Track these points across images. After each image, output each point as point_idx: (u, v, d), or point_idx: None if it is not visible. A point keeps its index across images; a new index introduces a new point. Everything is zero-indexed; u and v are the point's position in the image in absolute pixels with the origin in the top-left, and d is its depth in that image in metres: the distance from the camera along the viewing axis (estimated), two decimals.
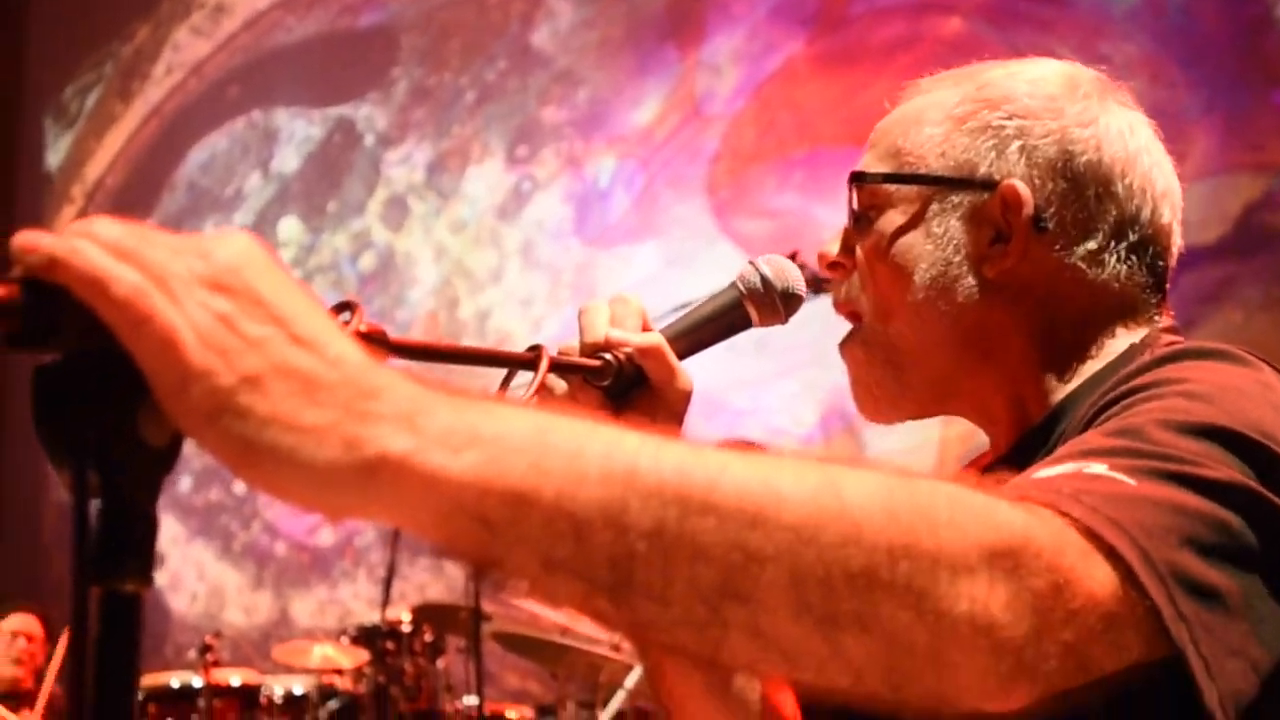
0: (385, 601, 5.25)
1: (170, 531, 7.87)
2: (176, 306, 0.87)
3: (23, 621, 5.74)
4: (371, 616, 5.53)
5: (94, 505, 0.87)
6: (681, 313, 1.61)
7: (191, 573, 7.86)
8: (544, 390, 1.50)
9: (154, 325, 0.86)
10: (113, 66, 8.82)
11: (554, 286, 7.46)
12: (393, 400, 0.89)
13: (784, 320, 1.61)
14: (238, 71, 8.48)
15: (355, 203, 8.11)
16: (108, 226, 0.89)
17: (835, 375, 1.59)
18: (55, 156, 8.90)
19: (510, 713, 5.62)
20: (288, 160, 8.32)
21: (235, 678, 5.50)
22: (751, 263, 1.60)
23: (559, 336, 1.52)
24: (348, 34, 8.31)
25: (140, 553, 0.89)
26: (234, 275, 0.89)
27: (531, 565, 0.90)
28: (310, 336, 0.89)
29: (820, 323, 1.62)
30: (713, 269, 6.78)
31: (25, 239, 0.87)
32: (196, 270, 0.88)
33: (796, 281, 1.59)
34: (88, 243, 0.88)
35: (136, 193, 8.57)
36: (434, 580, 6.73)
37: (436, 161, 7.99)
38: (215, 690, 5.38)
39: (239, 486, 7.63)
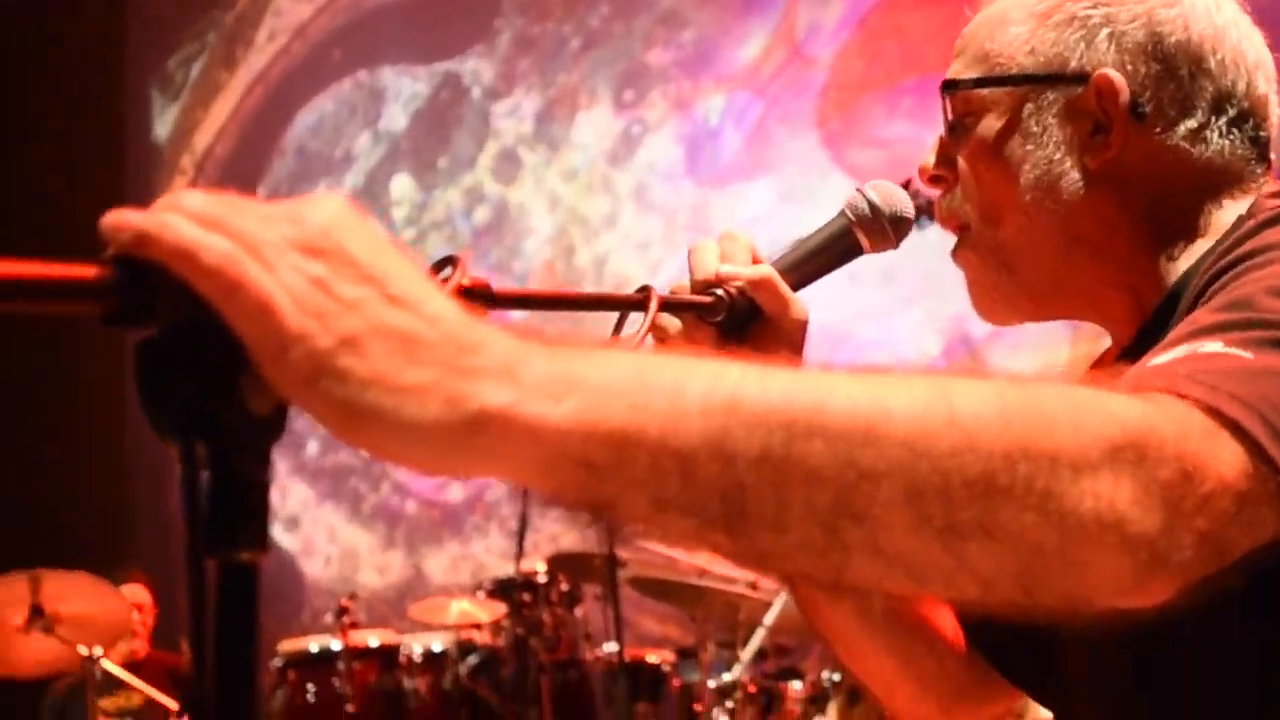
0: (519, 554, 5.25)
1: (300, 496, 7.94)
2: (269, 272, 0.86)
3: (133, 592, 5.80)
4: (506, 570, 5.51)
5: (204, 477, 0.86)
6: (793, 246, 1.61)
7: (323, 537, 7.92)
8: (657, 331, 1.50)
9: (248, 292, 0.85)
10: (216, 35, 8.85)
11: (669, 228, 7.43)
12: (492, 354, 0.88)
13: (895, 245, 1.60)
14: (341, 32, 8.49)
15: (466, 157, 8.11)
16: (196, 198, 0.88)
17: (957, 304, 1.57)
18: (163, 128, 8.95)
19: (651, 657, 5.62)
20: (396, 119, 8.34)
21: (373, 638, 5.49)
22: (859, 189, 1.59)
23: (677, 278, 1.53)
24: None
25: (254, 522, 0.88)
26: (326, 238, 0.88)
27: (642, 506, 0.89)
28: (406, 295, 0.88)
29: (942, 251, 1.59)
30: (827, 202, 6.71)
31: (113, 218, 0.86)
32: (288, 235, 0.87)
33: (904, 205, 1.58)
34: (176, 215, 0.87)
35: (246, 160, 8.62)
36: (567, 530, 6.72)
37: (545, 111, 7.97)
38: (354, 652, 5.38)
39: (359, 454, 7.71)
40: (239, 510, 0.86)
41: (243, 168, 8.54)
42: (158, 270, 0.86)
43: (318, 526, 7.92)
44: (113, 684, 5.27)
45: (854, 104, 7.14)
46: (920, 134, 6.71)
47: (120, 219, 0.87)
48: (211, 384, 0.86)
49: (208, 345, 0.86)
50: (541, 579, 5.44)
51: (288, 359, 0.85)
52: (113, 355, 7.67)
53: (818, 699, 4.89)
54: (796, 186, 7.13)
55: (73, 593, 5.24)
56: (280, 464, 7.72)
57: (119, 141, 8.87)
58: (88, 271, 0.87)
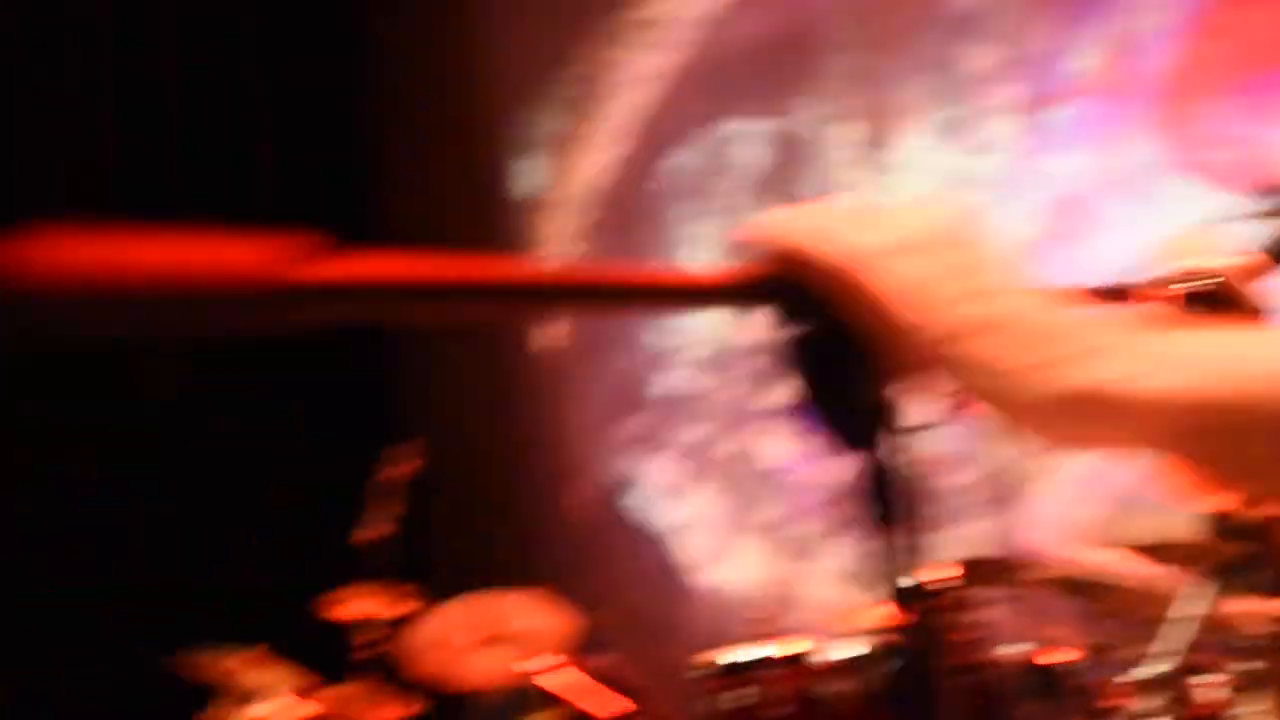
0: (925, 559, 5.33)
1: (695, 509, 8.02)
2: (880, 273, 0.99)
3: None
4: (914, 575, 5.53)
5: (856, 465, 1.02)
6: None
7: (723, 549, 7.89)
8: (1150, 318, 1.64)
9: (862, 292, 0.98)
10: (567, 89, 9.05)
11: (1031, 240, 7.36)
12: (1087, 337, 0.99)
13: None
14: (690, 81, 8.61)
15: (816, 193, 8.17)
16: (811, 210, 1.03)
17: None
18: (526, 184, 9.16)
19: (1059, 657, 5.61)
20: (748, 162, 8.43)
21: (788, 647, 5.63)
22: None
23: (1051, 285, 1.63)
24: (784, 35, 8.36)
25: (910, 506, 1.06)
26: (931, 237, 1.00)
27: (1243, 465, 0.99)
28: (1002, 287, 1.00)
29: None
30: (1179, 202, 6.73)
31: (747, 230, 1.01)
32: (897, 237, 1.00)
33: None
34: (795, 227, 1.01)
35: (610, 213, 8.86)
36: (973, 533, 6.63)
37: (880, 139, 8.01)
38: (770, 661, 5.53)
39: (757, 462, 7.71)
40: (898, 497, 1.05)
41: (608, 220, 8.81)
42: (795, 277, 1.00)
43: (717, 538, 7.96)
44: (538, 702, 5.57)
45: (1194, 105, 7.07)
46: (1265, 131, 6.65)
47: (753, 231, 1.01)
48: (848, 378, 1.00)
49: (841, 342, 1.00)
50: (949, 583, 5.47)
51: (904, 351, 0.98)
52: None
53: (1236, 691, 4.84)
54: (1146, 189, 7.07)
55: (524, 611, 5.63)
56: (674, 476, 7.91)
57: (482, 205, 9.10)
58: (750, 277, 1.02)
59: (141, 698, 5.70)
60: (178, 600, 7.45)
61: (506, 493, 8.37)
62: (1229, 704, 4.86)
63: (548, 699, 5.55)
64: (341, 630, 5.78)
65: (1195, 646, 5.24)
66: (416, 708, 5.77)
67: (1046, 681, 5.46)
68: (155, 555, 7.66)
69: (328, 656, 5.71)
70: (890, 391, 1.03)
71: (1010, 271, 1.02)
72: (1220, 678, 5.00)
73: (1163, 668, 4.86)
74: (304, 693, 5.57)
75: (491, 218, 9.08)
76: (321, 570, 5.92)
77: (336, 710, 5.62)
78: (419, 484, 5.84)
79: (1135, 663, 4.99)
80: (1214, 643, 5.21)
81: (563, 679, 5.71)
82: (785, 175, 8.33)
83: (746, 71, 8.48)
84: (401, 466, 5.82)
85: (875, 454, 1.05)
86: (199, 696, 5.52)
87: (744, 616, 5.81)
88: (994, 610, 5.63)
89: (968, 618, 5.42)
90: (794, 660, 5.55)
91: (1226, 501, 3.98)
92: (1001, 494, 5.81)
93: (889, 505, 1.09)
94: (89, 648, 6.87)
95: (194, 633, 5.65)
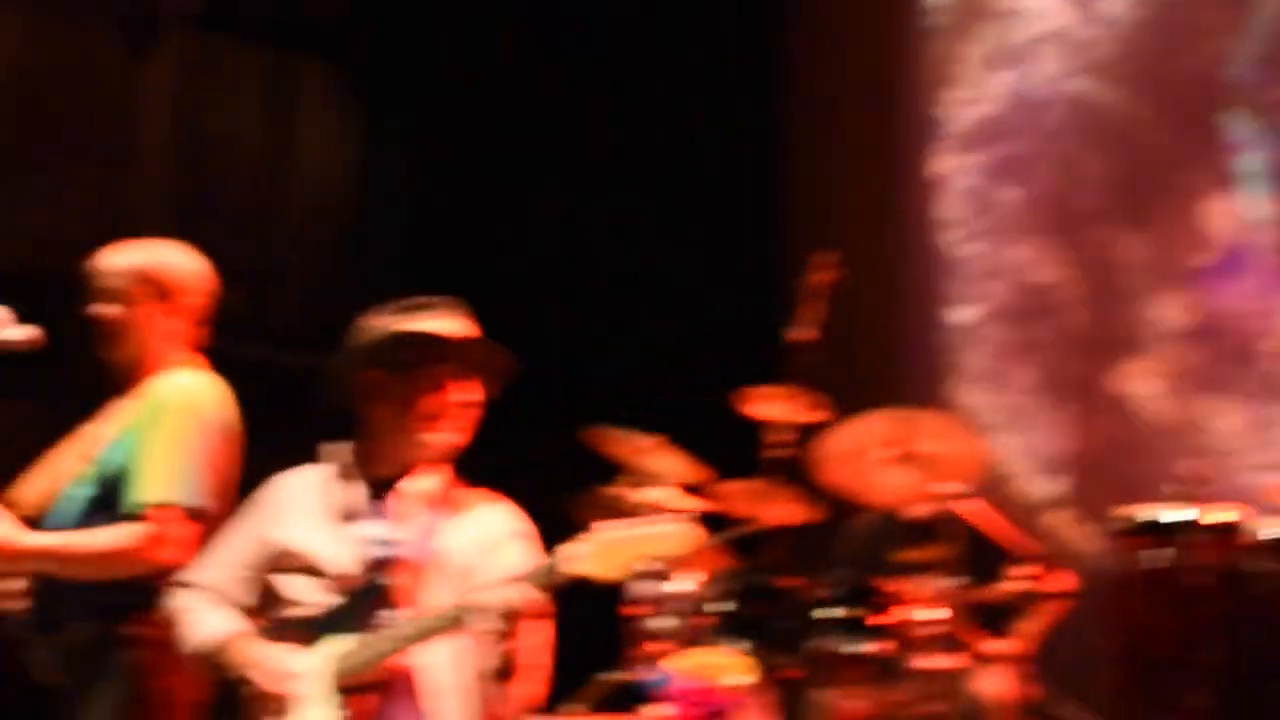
0: None
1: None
2: None
3: None
4: None
5: None
6: None
7: (1183, 405, 7.48)
8: None
9: None
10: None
11: None
12: None
13: None
14: None
15: None
16: None
17: None
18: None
19: None
20: None
21: (1217, 514, 5.39)
22: None
23: None
24: None
25: None
26: None
27: None
28: None
29: None
30: None
31: None
32: None
33: None
34: None
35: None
36: None
37: None
38: (1195, 526, 5.32)
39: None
40: None
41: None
42: None
43: (1179, 395, 7.50)
44: (944, 526, 5.49)
45: None
46: None
47: None
48: None
49: None
50: None
51: None
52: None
53: None
54: None
55: (938, 433, 5.61)
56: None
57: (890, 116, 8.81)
58: None
59: (554, 465, 5.91)
60: (606, 377, 7.80)
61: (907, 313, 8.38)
62: None
63: (953, 524, 5.48)
64: (754, 427, 5.77)
65: None
66: (816, 515, 5.80)
67: None
68: (600, 332, 8.38)
69: (737, 451, 5.74)
70: None
71: None
72: None
73: None
74: (697, 487, 5.60)
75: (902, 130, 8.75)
76: (744, 366, 5.96)
77: (734, 505, 5.69)
78: (835, 295, 5.81)
79: None
80: None
81: (969, 507, 5.62)
82: None
83: None
84: (824, 274, 5.80)
85: None
86: (605, 471, 5.65)
87: (1176, 469, 5.57)
88: None
89: None
90: (1222, 529, 5.31)
91: None
92: None
93: None
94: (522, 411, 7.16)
95: (613, 411, 5.75)
